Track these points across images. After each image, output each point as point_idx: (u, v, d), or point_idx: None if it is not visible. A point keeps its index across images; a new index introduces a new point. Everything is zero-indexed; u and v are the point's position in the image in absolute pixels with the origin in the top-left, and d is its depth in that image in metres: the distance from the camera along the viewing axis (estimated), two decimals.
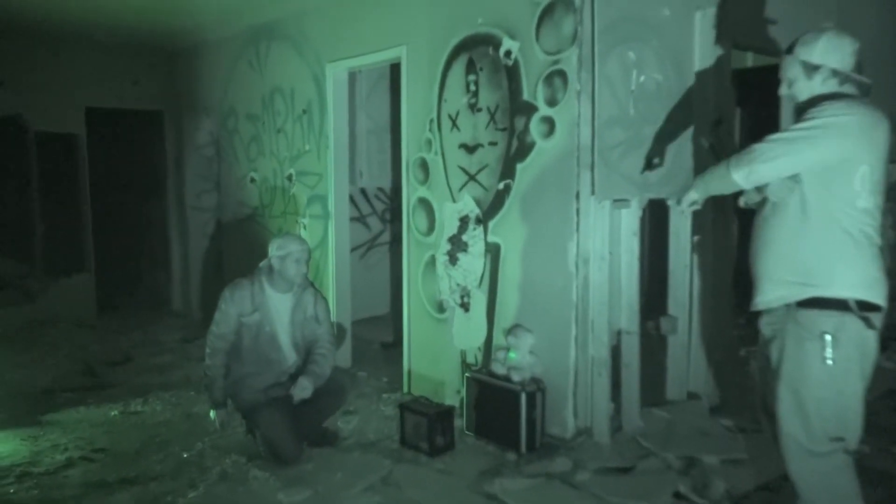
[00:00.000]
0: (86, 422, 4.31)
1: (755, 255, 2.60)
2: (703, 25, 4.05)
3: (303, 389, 3.61)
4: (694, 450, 3.50)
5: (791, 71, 2.52)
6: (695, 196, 2.80)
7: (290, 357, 3.78)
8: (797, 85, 2.52)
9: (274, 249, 3.68)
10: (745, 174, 2.46)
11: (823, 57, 2.44)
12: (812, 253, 2.41)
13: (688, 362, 4.14)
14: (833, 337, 2.34)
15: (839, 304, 2.35)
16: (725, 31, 4.08)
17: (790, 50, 2.53)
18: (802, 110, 2.50)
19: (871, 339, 2.38)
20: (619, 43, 3.72)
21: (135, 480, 3.47)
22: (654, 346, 4.07)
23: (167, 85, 7.48)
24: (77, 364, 5.63)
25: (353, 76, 5.83)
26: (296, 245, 3.69)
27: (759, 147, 2.44)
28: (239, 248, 6.62)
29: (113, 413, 4.46)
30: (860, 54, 2.48)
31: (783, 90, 2.59)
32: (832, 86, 2.46)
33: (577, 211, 3.62)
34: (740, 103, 4.81)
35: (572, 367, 3.71)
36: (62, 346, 6.15)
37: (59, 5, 5.56)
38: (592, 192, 3.65)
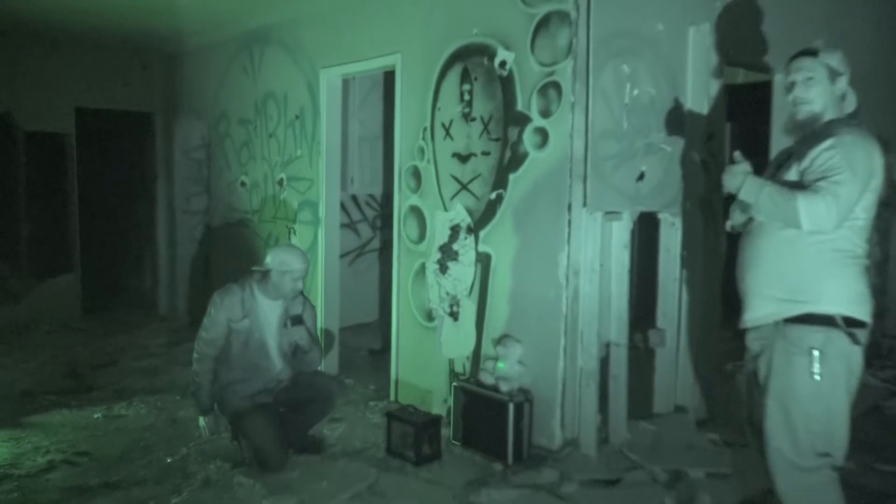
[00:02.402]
0: (69, 425, 4.26)
1: (742, 273, 2.61)
2: (696, 41, 4.09)
3: (298, 331, 3.69)
4: (680, 463, 3.51)
5: (817, 72, 2.49)
6: (744, 194, 2.52)
7: (278, 364, 3.76)
8: (817, 88, 2.49)
9: (276, 263, 3.63)
10: (822, 222, 2.31)
11: (843, 67, 2.50)
12: (800, 270, 2.43)
13: (675, 375, 4.15)
14: (820, 352, 2.36)
15: (826, 320, 2.37)
16: (718, 46, 4.13)
17: (812, 53, 2.51)
18: (803, 126, 2.52)
19: (856, 354, 2.40)
20: (613, 56, 3.75)
21: (117, 485, 3.44)
22: (642, 358, 4.08)
23: (159, 87, 7.45)
24: (61, 366, 5.57)
25: (346, 83, 5.83)
26: (299, 265, 3.64)
27: (832, 191, 2.29)
28: (227, 253, 6.59)
29: (96, 416, 4.41)
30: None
31: (800, 91, 2.52)
32: (839, 99, 2.51)
33: (569, 222, 3.64)
34: (731, 118, 4.86)
35: (560, 378, 3.71)
36: (46, 347, 6.08)
37: (50, 5, 5.53)
38: (584, 204, 3.66)
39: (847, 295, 2.39)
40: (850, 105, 2.56)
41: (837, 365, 2.38)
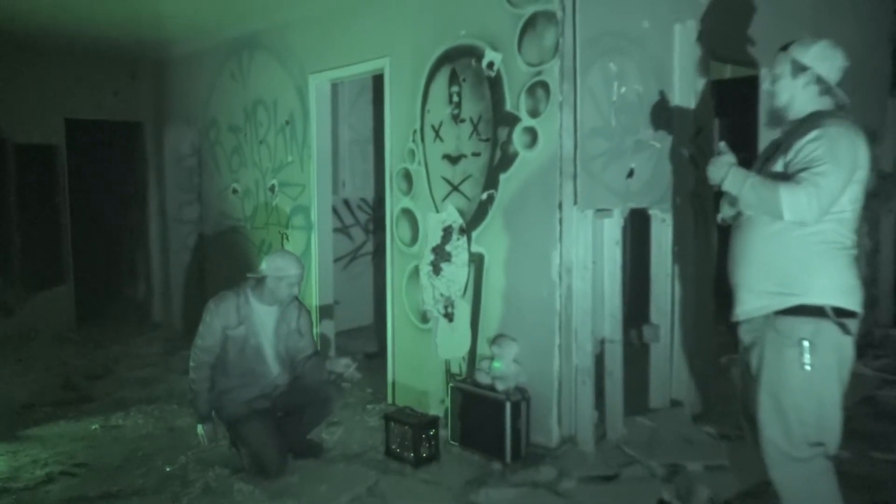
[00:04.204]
0: (66, 436, 4.25)
1: (733, 266, 2.63)
2: (682, 37, 4.11)
3: (347, 366, 3.75)
4: (677, 457, 3.53)
5: (780, 67, 2.56)
6: (727, 186, 2.53)
7: (275, 369, 3.77)
8: (781, 82, 2.56)
9: (272, 269, 3.64)
10: (803, 213, 2.34)
11: (814, 61, 2.50)
12: (789, 263, 2.45)
13: (670, 370, 4.17)
14: (811, 343, 2.37)
15: (816, 311, 2.39)
16: (704, 42, 4.15)
17: (785, 48, 2.57)
18: (779, 118, 2.55)
19: (847, 344, 2.42)
20: (600, 55, 3.77)
21: (117, 495, 3.44)
22: (636, 354, 4.10)
23: (148, 96, 7.43)
24: (56, 377, 5.55)
25: (335, 87, 5.84)
26: (294, 270, 3.68)
27: (814, 182, 2.31)
28: (221, 260, 6.58)
29: (94, 427, 4.40)
30: (845, 73, 2.54)
31: (767, 85, 2.64)
32: (812, 93, 2.52)
33: (560, 221, 3.65)
34: (719, 114, 4.88)
35: (556, 375, 3.72)
36: (41, 359, 6.06)
37: (38, 16, 5.52)
38: (575, 202, 3.68)
39: (836, 286, 2.41)
40: (826, 103, 2.54)
41: (828, 355, 2.40)
